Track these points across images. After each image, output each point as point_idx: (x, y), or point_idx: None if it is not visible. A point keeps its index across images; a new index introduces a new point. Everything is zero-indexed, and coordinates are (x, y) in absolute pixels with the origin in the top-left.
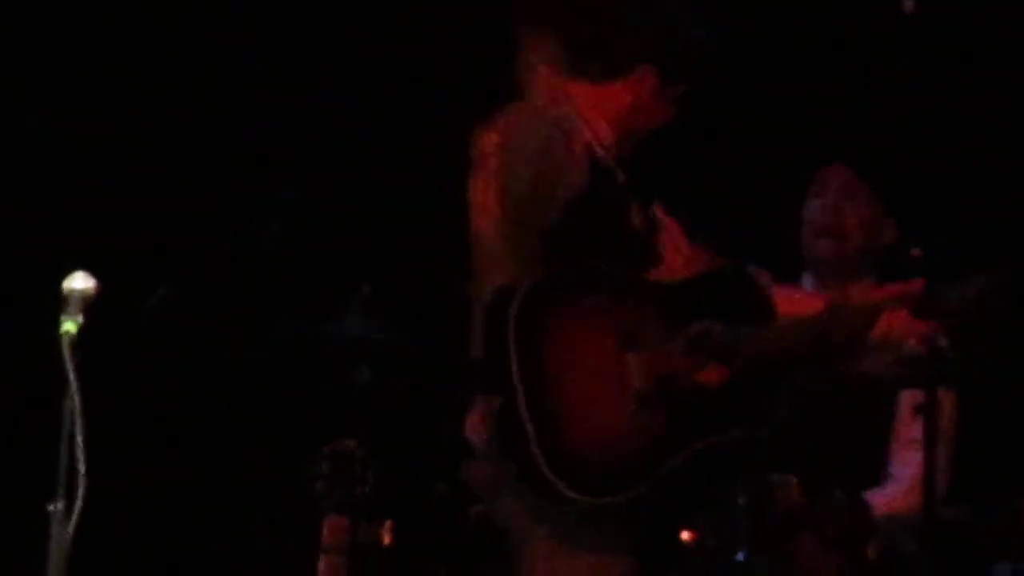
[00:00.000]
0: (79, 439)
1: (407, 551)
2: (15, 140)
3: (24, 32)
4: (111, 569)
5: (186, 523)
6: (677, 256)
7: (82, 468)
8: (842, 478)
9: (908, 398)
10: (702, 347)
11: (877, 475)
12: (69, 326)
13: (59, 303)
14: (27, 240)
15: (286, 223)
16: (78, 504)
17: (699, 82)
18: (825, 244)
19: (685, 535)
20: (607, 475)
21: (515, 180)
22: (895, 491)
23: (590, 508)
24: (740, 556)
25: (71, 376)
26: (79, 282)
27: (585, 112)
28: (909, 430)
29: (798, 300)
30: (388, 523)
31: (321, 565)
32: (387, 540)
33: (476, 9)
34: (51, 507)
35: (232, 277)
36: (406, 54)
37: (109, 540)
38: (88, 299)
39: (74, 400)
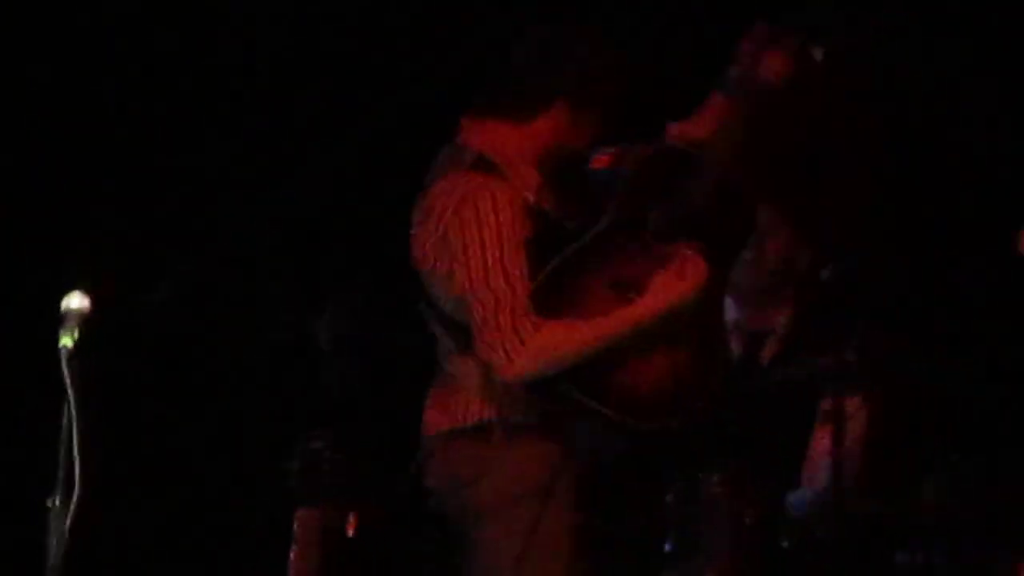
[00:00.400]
0: (75, 440)
1: (370, 540)
2: (13, 144)
3: (24, 34)
4: (106, 558)
5: (173, 517)
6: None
7: (78, 466)
8: (762, 476)
9: (824, 405)
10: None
11: (794, 474)
12: (66, 340)
13: (57, 319)
14: (28, 248)
15: (275, 228)
16: (74, 498)
17: (612, 105)
18: (747, 273)
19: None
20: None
21: (477, 270)
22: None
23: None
24: (668, 547)
25: (68, 384)
26: (76, 301)
27: (511, 156)
28: (822, 437)
29: None
30: (353, 515)
31: (292, 554)
32: (351, 531)
33: (474, 10)
34: (50, 502)
35: (214, 282)
36: (405, 55)
37: (103, 531)
38: (84, 316)
39: (71, 406)
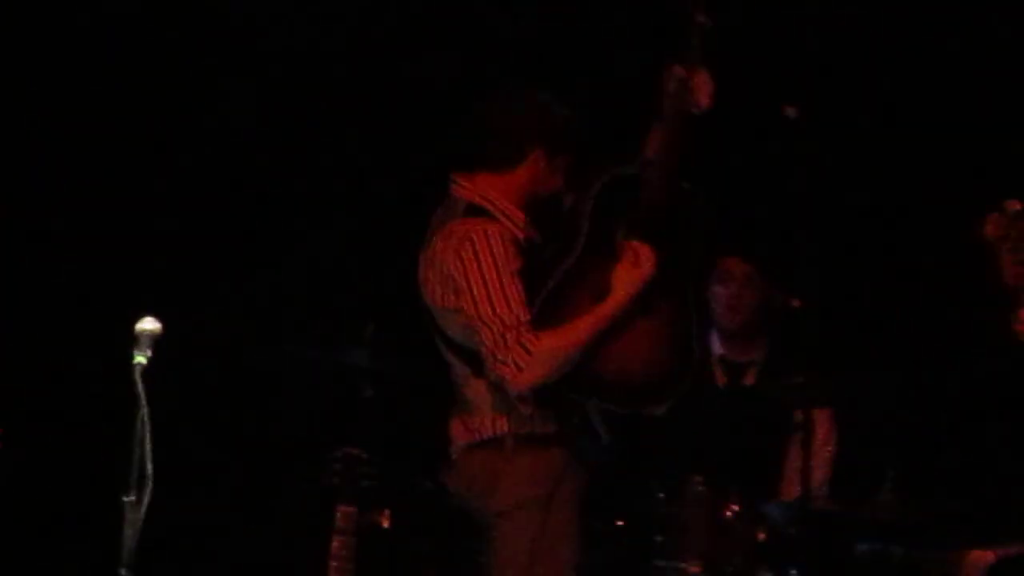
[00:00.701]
0: (147, 444)
1: (402, 532)
2: (95, 183)
3: (89, 76)
4: (174, 545)
5: (230, 510)
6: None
7: (149, 467)
8: (741, 478)
9: (796, 417)
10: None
11: (771, 477)
12: (140, 358)
13: (132, 341)
14: (105, 276)
15: (317, 271)
16: (147, 494)
17: (577, 151)
18: (729, 319)
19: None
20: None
21: (481, 300)
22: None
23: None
24: (658, 538)
25: (141, 397)
26: (148, 324)
27: (498, 202)
28: (796, 456)
29: None
30: (386, 511)
31: (334, 544)
32: (386, 524)
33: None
34: (126, 498)
35: (267, 315)
36: (438, 107)
37: (171, 522)
38: (155, 337)
39: (143, 414)
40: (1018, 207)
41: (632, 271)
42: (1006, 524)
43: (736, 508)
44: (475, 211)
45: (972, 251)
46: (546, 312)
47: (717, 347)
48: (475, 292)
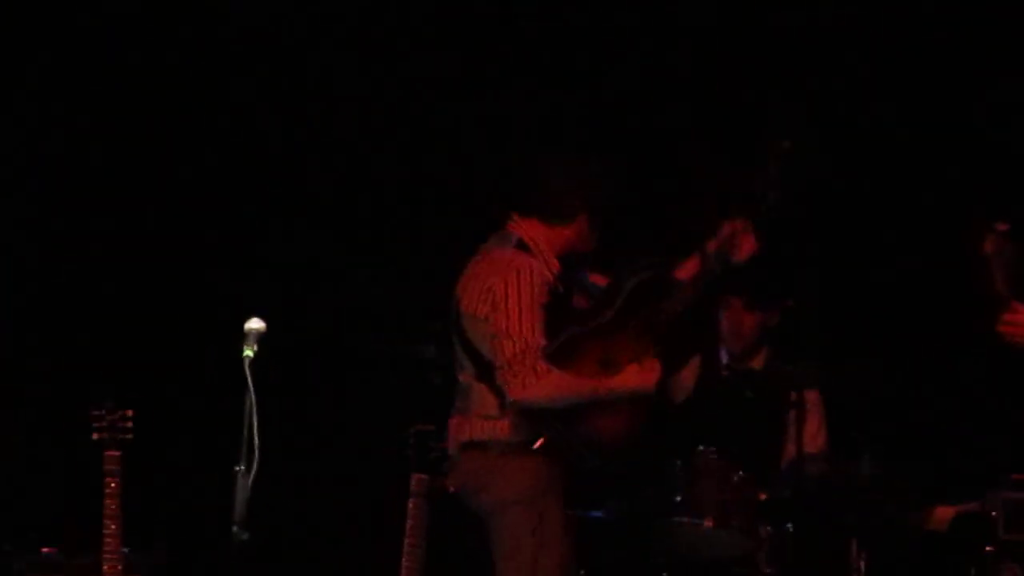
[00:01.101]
0: (255, 423)
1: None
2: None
3: (192, 98)
4: (276, 506)
5: (324, 478)
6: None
7: (256, 442)
8: (746, 449)
9: (792, 397)
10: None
11: (775, 450)
12: (248, 352)
13: (242, 338)
14: (216, 280)
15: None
16: (254, 465)
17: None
18: (732, 344)
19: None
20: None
21: (512, 318)
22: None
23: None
24: (677, 498)
25: (249, 384)
26: (255, 323)
27: (542, 246)
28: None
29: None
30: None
31: (410, 505)
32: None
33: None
34: (237, 468)
35: (355, 316)
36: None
37: (276, 489)
38: (260, 334)
39: (251, 399)
40: (1005, 229)
41: (643, 374)
42: (964, 487)
43: (741, 473)
44: (523, 247)
45: (968, 261)
46: (558, 350)
47: (725, 358)
48: (510, 310)
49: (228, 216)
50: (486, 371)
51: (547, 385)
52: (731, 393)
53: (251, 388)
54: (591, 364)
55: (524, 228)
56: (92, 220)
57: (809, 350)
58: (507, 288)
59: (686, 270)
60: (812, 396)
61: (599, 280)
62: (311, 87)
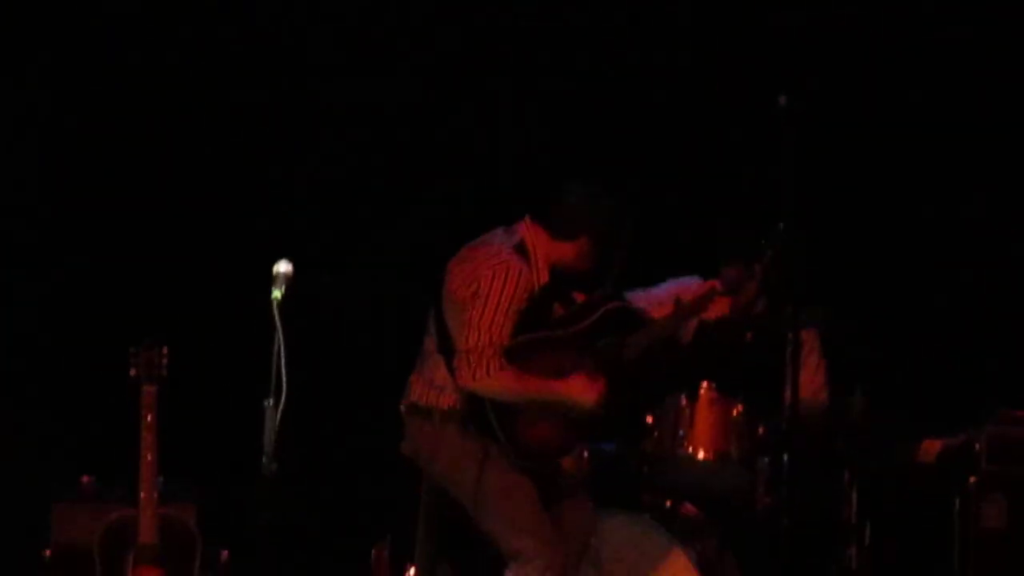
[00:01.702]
0: (283, 360)
1: None
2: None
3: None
4: (301, 439)
5: (344, 411)
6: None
7: (284, 379)
8: (745, 386)
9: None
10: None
11: (775, 386)
12: (276, 294)
13: (270, 280)
14: (248, 225)
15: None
16: (282, 401)
17: (617, 248)
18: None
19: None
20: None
21: (487, 311)
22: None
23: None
24: (680, 432)
25: (278, 324)
26: (283, 266)
27: (539, 255)
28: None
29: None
30: None
31: None
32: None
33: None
34: (266, 402)
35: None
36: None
37: (301, 423)
38: (289, 277)
39: (279, 339)
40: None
41: (588, 386)
42: (950, 421)
43: (740, 408)
44: (522, 250)
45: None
46: (520, 350)
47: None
48: (487, 303)
49: (258, 164)
50: (446, 347)
51: (497, 384)
52: (733, 333)
53: (279, 328)
54: (547, 369)
55: (530, 233)
56: (130, 166)
57: (803, 294)
58: (493, 283)
59: (665, 309)
60: (808, 335)
61: (581, 298)
62: None
